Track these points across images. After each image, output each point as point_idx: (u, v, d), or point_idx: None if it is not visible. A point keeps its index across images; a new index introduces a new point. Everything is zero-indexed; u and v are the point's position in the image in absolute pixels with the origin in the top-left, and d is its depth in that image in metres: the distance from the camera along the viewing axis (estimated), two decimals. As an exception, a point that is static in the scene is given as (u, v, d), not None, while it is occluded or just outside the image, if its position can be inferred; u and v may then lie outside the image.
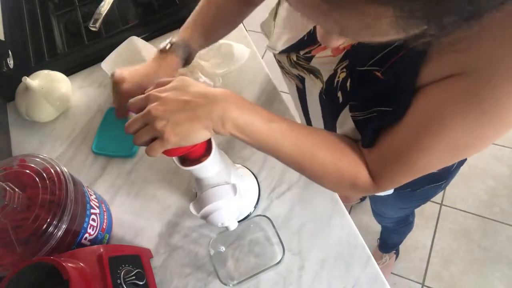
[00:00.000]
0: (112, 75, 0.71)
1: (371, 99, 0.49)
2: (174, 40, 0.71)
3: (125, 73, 0.70)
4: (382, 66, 0.47)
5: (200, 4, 0.72)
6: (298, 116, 0.88)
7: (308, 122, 0.76)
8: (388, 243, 1.48)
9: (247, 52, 0.95)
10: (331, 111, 0.58)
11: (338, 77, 0.52)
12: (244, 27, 1.02)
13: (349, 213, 0.76)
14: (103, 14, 1.06)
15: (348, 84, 0.51)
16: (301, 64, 0.59)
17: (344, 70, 0.51)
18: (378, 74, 0.47)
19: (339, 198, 0.77)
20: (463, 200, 1.67)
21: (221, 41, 0.93)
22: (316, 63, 0.56)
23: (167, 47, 0.71)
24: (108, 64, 0.88)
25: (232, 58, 0.92)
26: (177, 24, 1.04)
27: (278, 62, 0.66)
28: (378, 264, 0.70)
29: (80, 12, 1.11)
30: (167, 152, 0.52)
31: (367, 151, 0.54)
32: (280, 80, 0.98)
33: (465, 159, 0.78)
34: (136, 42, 0.91)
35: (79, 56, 1.03)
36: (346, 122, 0.55)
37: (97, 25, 1.05)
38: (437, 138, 0.45)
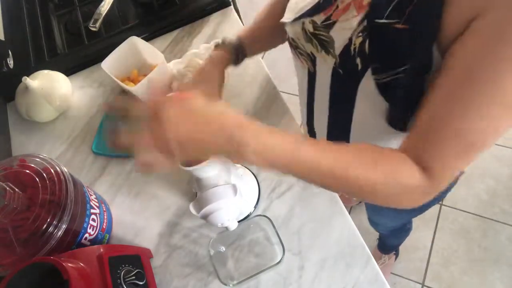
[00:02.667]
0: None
1: (394, 56, 0.47)
2: (232, 40, 0.75)
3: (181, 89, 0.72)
4: (401, 17, 0.45)
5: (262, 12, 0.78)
6: (299, 117, 0.87)
7: (311, 114, 0.74)
8: (386, 245, 1.48)
9: (247, 52, 0.94)
10: (348, 85, 0.55)
11: (354, 44, 0.50)
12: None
13: (349, 213, 0.76)
14: (103, 14, 1.06)
15: (366, 46, 0.49)
16: (318, 35, 0.56)
17: (360, 35, 0.49)
18: (398, 26, 0.45)
19: (339, 198, 0.77)
20: (463, 200, 1.67)
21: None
22: (338, 29, 0.52)
23: (220, 43, 0.75)
24: (108, 64, 0.88)
25: (232, 58, 0.92)
26: (177, 24, 1.05)
27: (292, 41, 0.63)
28: (377, 264, 0.70)
29: (80, 12, 1.11)
30: None
31: (407, 141, 0.50)
32: (280, 80, 0.98)
33: (463, 172, 0.76)
34: (136, 42, 0.91)
35: (79, 56, 1.03)
36: (368, 92, 0.53)
37: (97, 25, 1.05)
38: (486, 93, 0.41)
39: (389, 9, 0.45)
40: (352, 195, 0.53)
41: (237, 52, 0.75)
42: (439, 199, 0.81)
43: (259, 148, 0.45)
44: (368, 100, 0.55)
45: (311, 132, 0.79)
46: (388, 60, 0.48)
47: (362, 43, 0.50)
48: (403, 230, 1.28)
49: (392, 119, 0.57)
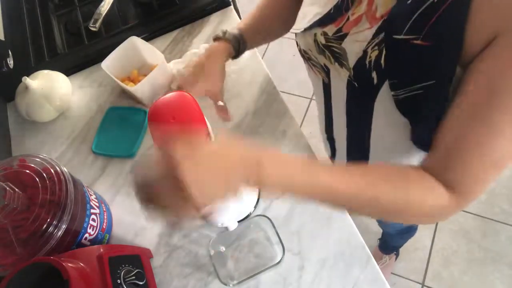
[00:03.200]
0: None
1: (412, 73, 0.46)
2: (232, 31, 0.73)
3: (182, 84, 0.69)
4: (420, 33, 0.43)
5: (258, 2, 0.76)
6: (300, 117, 0.88)
7: (330, 122, 0.73)
8: (389, 245, 1.48)
9: (247, 52, 0.94)
10: (364, 99, 0.54)
11: (370, 57, 0.49)
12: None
13: (349, 213, 0.76)
14: (103, 14, 1.06)
15: (382, 60, 0.48)
16: (331, 46, 0.55)
17: (376, 48, 0.48)
18: (418, 42, 0.44)
19: (339, 198, 0.77)
20: (463, 200, 1.67)
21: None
22: (350, 41, 0.52)
23: (220, 35, 0.73)
24: (108, 64, 0.88)
25: (232, 58, 0.92)
26: (177, 24, 1.05)
27: (304, 53, 0.63)
28: (378, 264, 0.70)
29: (80, 12, 1.11)
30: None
31: (430, 159, 0.49)
32: (280, 80, 0.98)
33: None
34: (136, 42, 0.91)
35: (79, 56, 1.03)
36: (385, 107, 0.52)
37: (97, 25, 1.05)
38: (506, 116, 0.41)
39: (408, 26, 0.44)
40: (378, 216, 0.52)
41: (238, 45, 0.73)
42: None
43: (276, 172, 0.45)
44: (386, 114, 0.54)
45: (330, 139, 0.78)
46: (406, 76, 0.47)
47: (378, 57, 0.48)
48: (411, 229, 1.28)
49: (418, 138, 0.55)
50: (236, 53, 0.75)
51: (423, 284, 1.53)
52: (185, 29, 1.04)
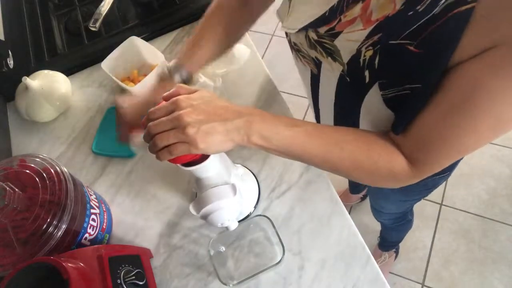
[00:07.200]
0: (117, 104, 0.72)
1: (402, 75, 0.49)
2: (171, 64, 0.72)
3: (126, 102, 0.71)
4: (415, 39, 0.45)
5: (199, 24, 0.76)
6: (300, 117, 0.87)
7: (317, 112, 0.75)
8: (387, 241, 1.47)
9: (247, 52, 0.95)
10: (354, 94, 0.57)
11: (364, 56, 0.51)
12: (244, 27, 1.02)
13: (349, 213, 0.76)
14: (103, 14, 1.06)
15: (376, 61, 0.50)
16: (323, 43, 0.57)
17: (371, 48, 0.50)
18: (411, 48, 0.46)
19: (339, 198, 0.77)
20: (463, 200, 1.67)
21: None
22: (343, 39, 0.54)
23: (165, 74, 0.71)
24: (108, 64, 0.88)
25: (232, 58, 0.92)
26: (177, 24, 1.05)
27: (294, 45, 0.64)
28: (377, 262, 0.71)
29: (80, 12, 1.11)
30: (172, 159, 0.52)
31: (402, 138, 0.54)
32: (280, 80, 0.98)
33: None
34: (136, 42, 0.91)
35: (79, 56, 1.03)
36: (373, 103, 0.55)
37: (97, 25, 1.05)
38: (483, 115, 0.44)
39: (405, 33, 0.46)
40: (344, 173, 0.56)
41: (184, 77, 0.71)
42: (446, 177, 0.85)
43: (266, 133, 0.51)
44: (374, 109, 0.56)
45: None
46: (395, 78, 0.50)
47: (372, 57, 0.50)
48: (405, 220, 1.27)
49: (396, 127, 0.57)
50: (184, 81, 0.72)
51: (423, 284, 1.53)
52: (185, 29, 1.04)
